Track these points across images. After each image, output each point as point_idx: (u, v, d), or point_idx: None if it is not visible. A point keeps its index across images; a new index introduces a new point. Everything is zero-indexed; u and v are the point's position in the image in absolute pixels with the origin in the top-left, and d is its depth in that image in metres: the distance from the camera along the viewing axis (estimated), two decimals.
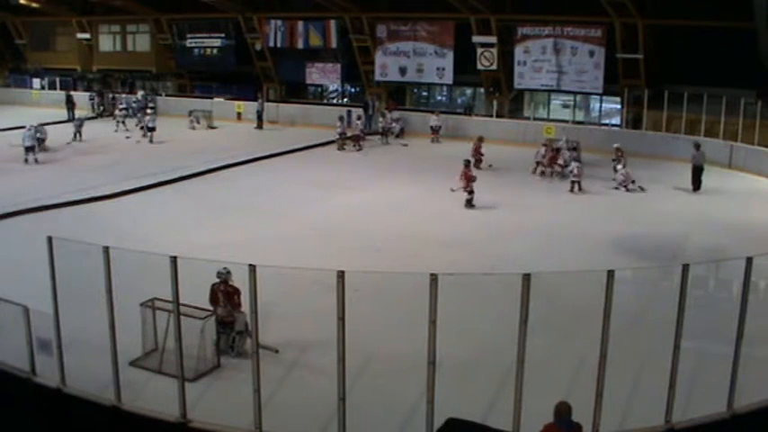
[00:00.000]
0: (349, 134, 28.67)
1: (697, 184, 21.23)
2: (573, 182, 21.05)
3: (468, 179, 19.03)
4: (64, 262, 8.42)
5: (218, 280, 10.13)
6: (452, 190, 19.09)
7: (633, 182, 21.13)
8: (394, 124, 30.33)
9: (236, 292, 9.99)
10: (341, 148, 27.79)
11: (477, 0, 28.54)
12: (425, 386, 7.42)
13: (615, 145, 23.14)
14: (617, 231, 16.88)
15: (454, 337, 8.77)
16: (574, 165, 21.47)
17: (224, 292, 10.11)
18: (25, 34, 42.31)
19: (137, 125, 30.66)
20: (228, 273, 10.01)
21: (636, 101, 27.59)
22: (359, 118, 30.34)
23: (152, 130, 28.71)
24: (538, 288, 7.40)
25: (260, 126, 32.83)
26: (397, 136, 29.96)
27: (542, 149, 23.53)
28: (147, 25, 38.53)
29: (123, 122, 31.71)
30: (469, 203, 18.91)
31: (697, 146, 21.99)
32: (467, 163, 19.74)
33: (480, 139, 24.54)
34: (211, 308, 10.09)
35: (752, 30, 23.65)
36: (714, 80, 24.98)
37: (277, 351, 9.97)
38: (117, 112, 33.24)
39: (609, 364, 7.61)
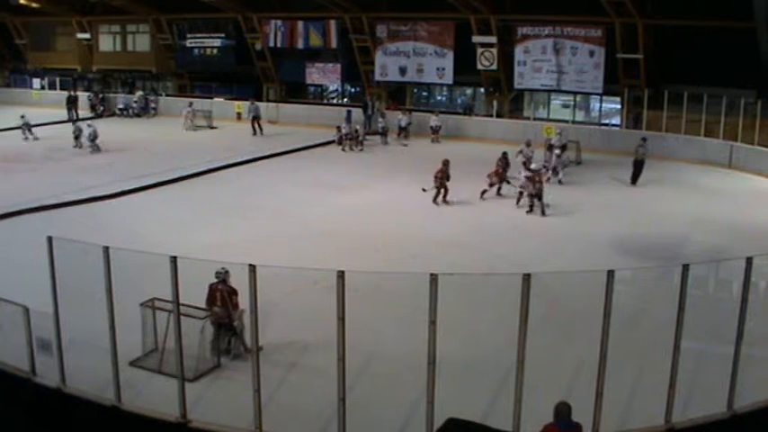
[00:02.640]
0: (342, 133, 28.72)
1: (635, 178, 21.40)
2: (520, 193, 18.87)
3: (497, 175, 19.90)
4: (64, 262, 8.42)
5: (216, 280, 10.05)
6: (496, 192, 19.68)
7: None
8: (405, 121, 30.32)
9: (234, 292, 9.92)
10: (347, 148, 27.71)
11: (477, 0, 28.55)
12: (425, 386, 7.43)
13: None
14: (617, 231, 16.87)
15: (454, 337, 8.77)
16: (522, 175, 18.99)
17: (222, 293, 10.01)
18: (25, 34, 42.30)
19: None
20: (227, 273, 9.92)
21: (636, 101, 27.61)
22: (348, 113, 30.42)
23: (93, 139, 25.87)
24: (538, 288, 7.40)
25: (259, 131, 31.05)
26: (400, 133, 29.93)
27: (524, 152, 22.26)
28: (147, 25, 38.53)
29: (29, 130, 28.27)
30: (483, 193, 19.67)
31: (644, 139, 22.28)
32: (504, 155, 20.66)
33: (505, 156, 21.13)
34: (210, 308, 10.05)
35: (752, 30, 23.66)
36: (714, 80, 24.99)
37: (261, 348, 9.87)
38: (18, 122, 28.37)
39: (609, 364, 7.61)
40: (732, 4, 23.67)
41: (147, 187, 20.56)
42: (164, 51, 38.57)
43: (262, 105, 35.00)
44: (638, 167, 21.44)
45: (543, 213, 18.09)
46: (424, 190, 19.09)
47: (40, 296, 8.51)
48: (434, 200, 19.14)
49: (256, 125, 31.06)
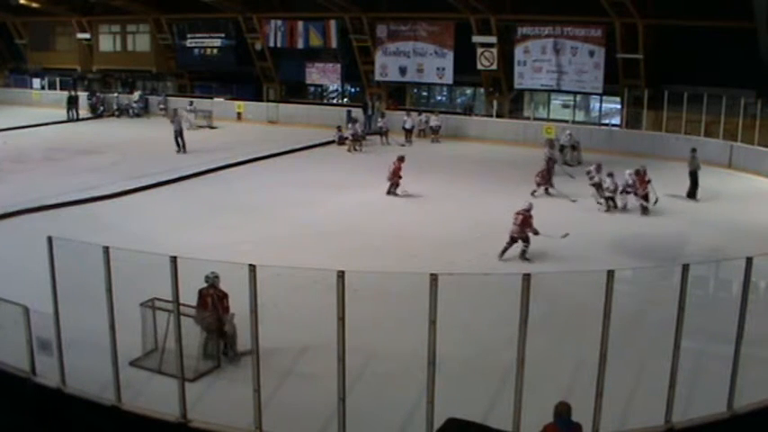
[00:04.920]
0: (346, 134, 28.74)
1: (693, 191, 20.11)
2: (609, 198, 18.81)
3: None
4: (64, 262, 8.42)
5: (206, 284, 9.88)
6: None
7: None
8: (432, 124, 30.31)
9: (225, 296, 9.86)
10: (352, 149, 27.56)
11: (477, 0, 28.55)
12: (425, 386, 7.43)
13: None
14: (617, 231, 16.88)
15: (454, 337, 8.77)
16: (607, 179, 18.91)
17: (213, 297, 9.86)
18: (25, 34, 42.29)
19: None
20: (216, 277, 9.81)
21: (636, 101, 27.61)
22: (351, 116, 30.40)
23: None
24: (538, 288, 7.40)
25: (182, 148, 26.27)
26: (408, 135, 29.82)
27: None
28: (147, 25, 38.50)
29: None
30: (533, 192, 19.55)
31: (694, 150, 20.86)
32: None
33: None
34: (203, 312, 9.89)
35: (752, 30, 23.66)
36: (714, 80, 24.99)
37: (248, 352, 9.78)
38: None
39: (609, 364, 7.62)
40: (732, 4, 23.67)
41: (147, 187, 20.56)
42: (164, 51, 38.55)
43: (261, 105, 35.08)
44: (694, 178, 20.20)
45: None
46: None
47: (40, 296, 8.51)
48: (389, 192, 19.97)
49: (180, 140, 26.36)
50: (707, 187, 21.00)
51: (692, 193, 20.18)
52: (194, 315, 9.66)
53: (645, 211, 18.36)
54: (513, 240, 14.67)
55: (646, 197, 18.49)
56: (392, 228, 16.96)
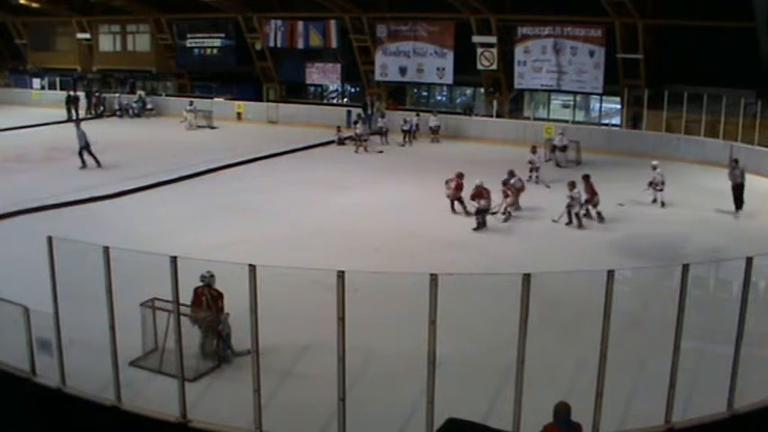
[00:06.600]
0: (346, 135, 28.73)
1: (739, 203, 18.95)
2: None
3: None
4: (64, 262, 8.42)
5: (201, 283, 9.90)
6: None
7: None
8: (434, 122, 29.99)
9: (220, 296, 9.89)
10: (361, 149, 27.37)
11: (477, 0, 28.56)
12: (425, 386, 7.43)
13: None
14: (617, 231, 16.87)
15: (454, 337, 8.76)
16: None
17: (207, 296, 9.87)
18: (25, 34, 42.32)
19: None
20: (212, 276, 9.84)
21: (636, 101, 27.61)
22: (359, 116, 30.36)
23: None
24: (538, 288, 7.39)
25: (84, 164, 22.81)
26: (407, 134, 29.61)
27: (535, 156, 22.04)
28: (147, 25, 38.55)
29: None
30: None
31: (736, 161, 19.76)
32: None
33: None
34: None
35: (752, 30, 23.67)
36: (714, 80, 25.01)
37: (248, 352, 9.75)
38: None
39: (609, 364, 7.62)
40: (732, 4, 23.68)
41: (147, 187, 20.55)
42: (164, 51, 38.57)
43: (261, 105, 35.04)
44: (737, 192, 19.06)
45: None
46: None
47: (40, 296, 8.50)
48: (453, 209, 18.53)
49: (87, 156, 22.87)
50: (706, 187, 21.04)
51: (738, 205, 18.97)
52: (189, 314, 9.67)
53: (600, 218, 17.52)
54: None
55: (593, 204, 17.57)
56: (392, 228, 16.95)
